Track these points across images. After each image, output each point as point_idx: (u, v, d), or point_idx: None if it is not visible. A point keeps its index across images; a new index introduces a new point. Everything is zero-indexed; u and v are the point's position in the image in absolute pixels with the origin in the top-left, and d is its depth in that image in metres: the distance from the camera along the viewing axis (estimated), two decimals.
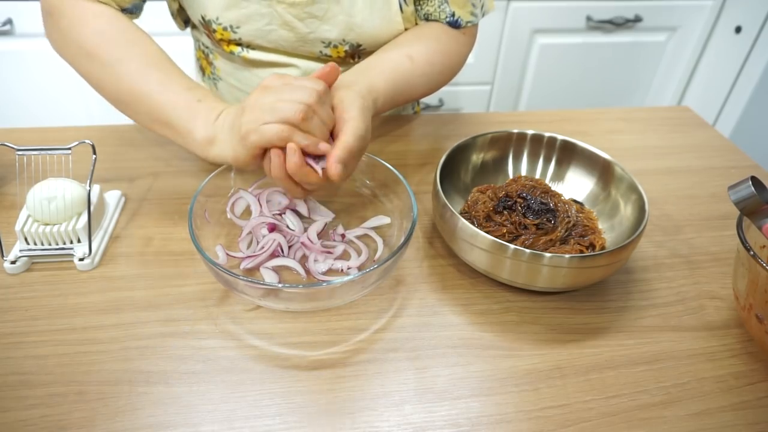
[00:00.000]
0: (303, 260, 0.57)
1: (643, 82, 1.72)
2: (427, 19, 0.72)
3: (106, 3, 0.63)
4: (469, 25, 0.72)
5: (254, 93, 0.53)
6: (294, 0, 0.67)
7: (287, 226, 0.59)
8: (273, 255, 0.56)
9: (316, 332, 0.52)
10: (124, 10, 0.65)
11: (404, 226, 0.56)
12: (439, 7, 0.70)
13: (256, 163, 0.54)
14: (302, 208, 0.61)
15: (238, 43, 0.72)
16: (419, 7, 0.72)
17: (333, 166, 0.51)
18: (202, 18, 0.70)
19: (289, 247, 0.58)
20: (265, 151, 0.52)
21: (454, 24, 0.71)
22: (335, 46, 0.72)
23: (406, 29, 0.73)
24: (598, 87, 1.69)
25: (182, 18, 0.79)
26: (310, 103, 0.50)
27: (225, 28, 0.70)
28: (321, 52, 0.72)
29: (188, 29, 0.82)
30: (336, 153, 0.51)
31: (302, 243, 0.58)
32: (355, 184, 0.65)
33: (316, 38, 0.70)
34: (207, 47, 0.79)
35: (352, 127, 0.53)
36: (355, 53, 0.74)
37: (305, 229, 0.59)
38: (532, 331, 0.53)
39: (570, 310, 0.55)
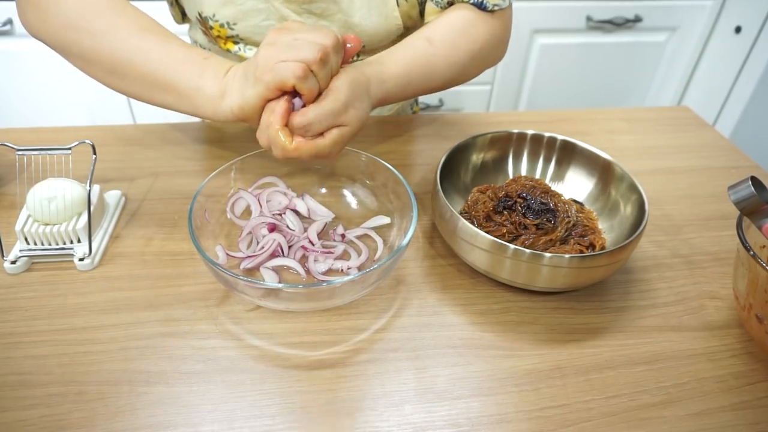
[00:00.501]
0: (303, 260, 0.57)
1: (643, 82, 1.72)
2: (451, 3, 0.67)
3: None
4: (496, 8, 0.66)
5: (271, 32, 0.51)
6: None
7: (287, 226, 0.59)
8: (273, 255, 0.56)
9: (316, 332, 0.52)
10: None
11: (404, 226, 0.56)
12: None
13: (260, 114, 0.52)
14: (302, 208, 0.61)
15: (236, 41, 0.72)
16: None
17: (295, 119, 0.50)
18: (199, 14, 0.69)
19: (289, 247, 0.58)
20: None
21: (480, 6, 0.65)
22: None
23: (405, 27, 0.73)
24: (598, 87, 1.70)
25: (180, 10, 0.78)
26: (327, 45, 0.49)
27: (222, 25, 0.69)
28: None
29: (185, 32, 0.82)
30: (299, 115, 0.50)
31: (302, 246, 0.58)
32: (355, 184, 0.65)
33: None
34: (204, 48, 0.79)
35: (331, 95, 0.51)
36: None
37: (305, 229, 0.59)
38: (532, 331, 0.53)
39: (570, 310, 0.55)
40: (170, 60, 0.55)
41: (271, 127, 0.51)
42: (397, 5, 0.69)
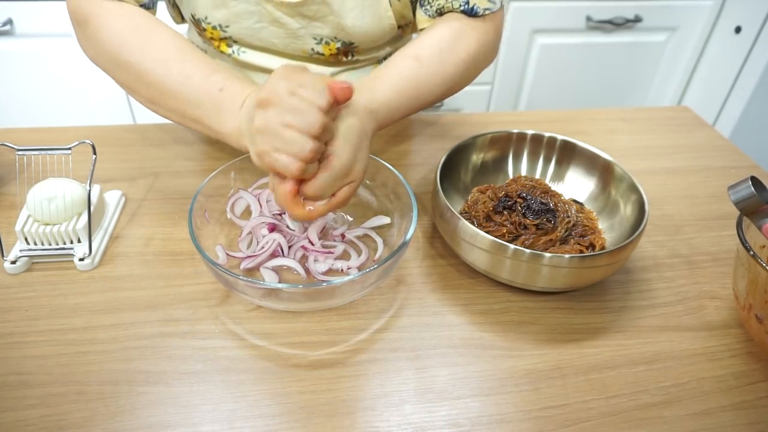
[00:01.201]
0: (303, 260, 0.57)
1: (643, 82, 1.72)
2: (440, 13, 0.66)
3: (124, 0, 0.62)
4: (487, 12, 0.64)
5: (263, 91, 0.50)
6: (283, 0, 0.66)
7: (287, 226, 0.59)
8: (273, 255, 0.56)
9: (316, 332, 0.52)
10: (141, 5, 0.63)
11: (404, 226, 0.56)
12: None
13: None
14: None
15: (229, 43, 0.72)
16: (429, 6, 0.66)
17: (307, 191, 0.51)
18: (192, 16, 0.69)
19: (289, 247, 0.58)
20: None
21: (470, 12, 0.64)
22: (327, 43, 0.71)
23: (399, 26, 0.72)
24: (598, 87, 1.69)
25: (179, 11, 0.78)
26: (318, 136, 0.48)
27: (214, 27, 0.69)
28: (313, 49, 0.72)
29: (184, 32, 0.82)
30: (306, 188, 0.50)
31: (302, 246, 0.58)
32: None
33: (307, 34, 0.70)
34: (201, 49, 0.79)
35: (333, 163, 0.50)
36: (348, 51, 0.73)
37: (305, 229, 0.59)
38: (532, 331, 0.53)
39: (570, 310, 0.55)
40: (192, 97, 0.57)
41: (283, 200, 0.51)
42: (390, 5, 0.69)
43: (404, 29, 0.77)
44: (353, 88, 0.51)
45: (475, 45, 0.65)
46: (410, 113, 0.63)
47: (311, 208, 0.52)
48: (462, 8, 0.64)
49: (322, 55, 0.72)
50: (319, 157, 0.51)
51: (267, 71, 0.74)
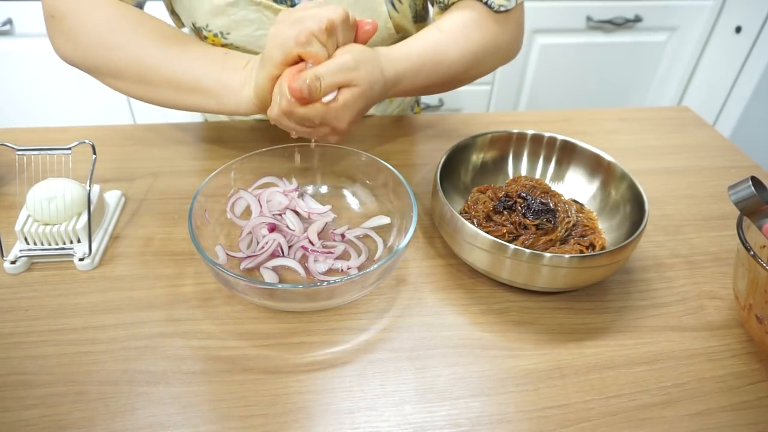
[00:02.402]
0: (303, 260, 0.57)
1: (643, 82, 1.72)
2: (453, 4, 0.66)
3: None
4: (502, 9, 0.64)
5: (281, 13, 0.52)
6: (280, 8, 0.66)
7: (287, 226, 0.59)
8: (273, 255, 0.57)
9: (316, 332, 0.52)
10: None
11: (404, 226, 0.56)
12: None
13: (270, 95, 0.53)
14: (302, 208, 0.61)
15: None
16: (442, 1, 0.66)
17: (304, 73, 0.50)
18: (193, 24, 0.70)
19: (289, 247, 0.58)
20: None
21: (487, 4, 0.64)
22: None
23: (398, 33, 0.73)
24: (598, 87, 1.70)
25: (179, 18, 0.79)
26: (334, 18, 0.49)
27: (215, 35, 0.69)
28: None
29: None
30: (309, 69, 0.50)
31: (302, 246, 0.58)
32: (355, 184, 0.65)
33: None
34: None
35: (335, 58, 0.51)
36: None
37: (305, 229, 0.59)
38: (532, 331, 0.53)
39: (570, 310, 0.55)
40: (191, 61, 0.57)
41: (283, 84, 0.51)
42: (390, 17, 0.69)
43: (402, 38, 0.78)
44: (376, 26, 0.53)
45: (496, 31, 0.65)
46: (432, 81, 0.62)
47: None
48: None
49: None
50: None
51: None
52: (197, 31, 0.70)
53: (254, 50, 0.71)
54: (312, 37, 0.50)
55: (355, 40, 0.53)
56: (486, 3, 0.64)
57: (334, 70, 0.51)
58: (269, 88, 0.53)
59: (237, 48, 0.71)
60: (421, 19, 0.76)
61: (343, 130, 0.55)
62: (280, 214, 0.61)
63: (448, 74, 0.63)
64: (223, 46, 0.71)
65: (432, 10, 0.69)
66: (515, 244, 0.50)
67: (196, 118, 0.86)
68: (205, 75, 0.56)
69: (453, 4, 0.67)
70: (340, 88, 0.52)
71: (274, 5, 0.66)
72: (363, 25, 0.53)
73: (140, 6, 0.68)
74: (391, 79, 0.57)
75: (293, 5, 0.67)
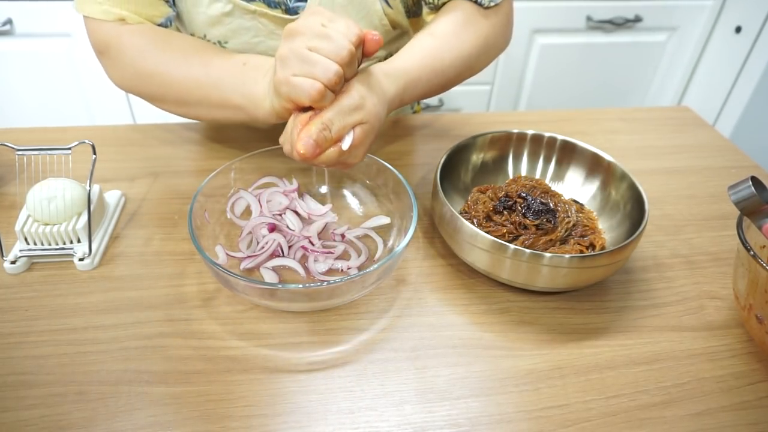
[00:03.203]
0: (303, 260, 0.57)
1: (643, 82, 1.72)
2: (444, 5, 0.67)
3: (140, 21, 0.64)
4: (492, 4, 0.65)
5: (290, 25, 0.49)
6: (276, 14, 0.67)
7: (287, 226, 0.59)
8: (273, 255, 0.57)
9: (316, 332, 0.52)
10: (158, 25, 0.66)
11: (404, 226, 0.56)
12: None
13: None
14: (302, 209, 0.61)
15: None
16: (434, 1, 0.67)
17: (314, 120, 0.49)
18: (192, 34, 0.70)
19: (289, 247, 0.58)
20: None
21: (477, 2, 0.65)
22: None
23: (395, 30, 0.73)
24: (598, 87, 1.70)
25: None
26: (345, 58, 0.46)
27: (215, 44, 0.70)
28: None
29: None
30: (318, 114, 0.49)
31: (302, 246, 0.58)
32: (355, 184, 0.65)
33: None
34: None
35: (340, 93, 0.50)
36: None
37: (305, 229, 0.59)
38: (532, 331, 0.53)
39: (570, 310, 0.55)
40: (215, 79, 0.58)
41: (294, 133, 0.50)
42: (385, 15, 0.69)
43: (402, 36, 0.78)
44: (382, 41, 0.51)
45: (487, 28, 0.66)
46: (431, 88, 0.63)
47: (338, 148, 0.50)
48: None
49: None
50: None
51: None
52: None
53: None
54: (324, 93, 0.48)
55: (363, 53, 0.51)
56: (476, 1, 0.65)
57: (343, 113, 0.50)
58: (286, 115, 0.52)
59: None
60: (413, 14, 0.76)
61: (356, 163, 0.55)
62: (280, 214, 0.61)
63: (444, 80, 0.64)
64: None
65: (424, 9, 0.69)
66: (515, 244, 0.50)
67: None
68: (231, 91, 0.57)
69: (444, 4, 0.67)
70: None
71: (269, 12, 0.66)
72: (370, 36, 0.51)
73: (171, 22, 0.68)
74: (393, 98, 0.57)
75: (288, 9, 0.67)
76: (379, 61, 0.77)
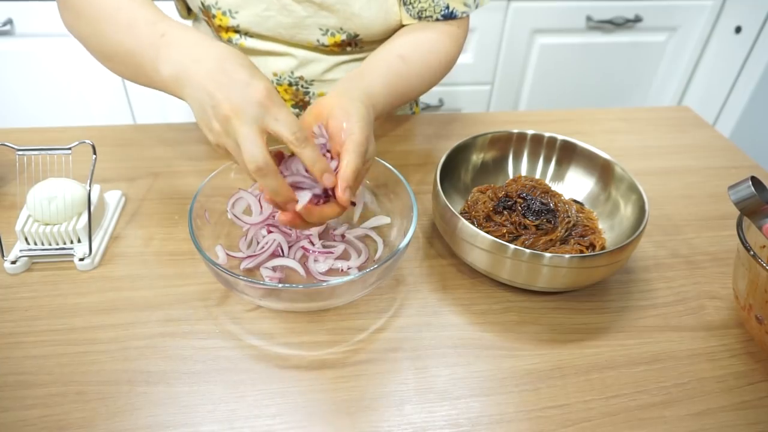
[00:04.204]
0: (303, 260, 0.57)
1: (643, 82, 1.72)
2: (420, 16, 0.71)
3: None
4: (464, 15, 0.70)
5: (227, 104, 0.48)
6: None
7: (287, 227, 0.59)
8: (273, 255, 0.56)
9: (316, 332, 0.52)
10: None
11: (404, 226, 0.56)
12: (433, 1, 0.68)
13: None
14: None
15: (236, 30, 0.72)
16: (411, 7, 0.70)
17: (341, 194, 0.48)
18: (202, 3, 0.69)
19: (289, 247, 0.58)
20: None
21: (450, 16, 0.70)
22: (333, 34, 0.71)
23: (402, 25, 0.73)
24: (598, 87, 1.69)
25: (185, 5, 0.78)
26: (265, 163, 0.46)
27: (224, 13, 0.69)
28: (318, 40, 0.72)
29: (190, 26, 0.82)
30: (342, 180, 0.49)
31: (302, 246, 0.58)
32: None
33: (314, 23, 0.70)
34: None
35: (353, 144, 0.50)
36: (352, 42, 0.73)
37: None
38: (532, 331, 0.53)
39: (570, 310, 0.55)
40: (134, 44, 0.55)
41: (308, 216, 0.49)
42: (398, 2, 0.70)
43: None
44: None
45: (450, 48, 0.72)
46: (394, 108, 0.67)
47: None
48: (442, 13, 0.69)
49: (326, 45, 0.72)
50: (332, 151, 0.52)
51: (273, 54, 0.74)
52: (205, 11, 0.70)
53: (260, 32, 0.71)
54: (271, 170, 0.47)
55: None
56: (449, 15, 0.69)
57: (361, 167, 0.50)
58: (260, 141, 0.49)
59: (245, 30, 0.71)
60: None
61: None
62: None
63: (410, 98, 0.69)
64: (230, 27, 0.71)
65: (402, 9, 0.71)
66: (515, 244, 0.50)
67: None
68: (144, 59, 0.54)
69: (419, 16, 0.70)
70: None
71: None
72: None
73: None
74: (375, 118, 0.59)
75: None
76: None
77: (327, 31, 0.71)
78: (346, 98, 0.54)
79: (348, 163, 0.49)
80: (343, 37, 0.71)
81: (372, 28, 0.71)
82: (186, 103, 0.52)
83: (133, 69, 0.57)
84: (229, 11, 0.69)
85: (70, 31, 0.66)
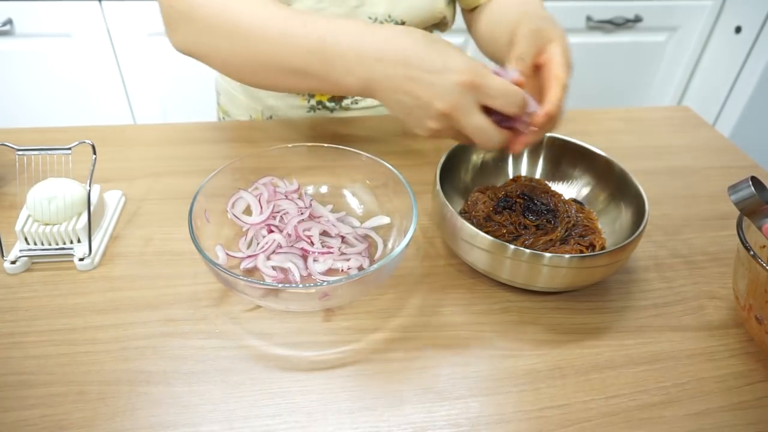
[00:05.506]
0: (303, 260, 0.57)
1: (643, 82, 1.72)
2: None
3: None
4: None
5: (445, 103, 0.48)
6: None
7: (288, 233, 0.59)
8: (273, 255, 0.56)
9: (316, 332, 0.52)
10: None
11: (404, 226, 0.56)
12: None
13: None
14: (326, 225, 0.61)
15: None
16: None
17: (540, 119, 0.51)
18: None
19: (289, 247, 0.58)
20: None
21: None
22: (381, 23, 0.72)
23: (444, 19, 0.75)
24: (598, 87, 1.69)
25: None
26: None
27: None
28: None
29: None
30: (544, 110, 0.51)
31: (302, 247, 0.58)
32: (355, 184, 0.65)
33: (363, 12, 0.71)
34: None
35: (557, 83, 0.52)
36: None
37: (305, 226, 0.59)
38: (532, 331, 0.53)
39: (570, 310, 0.55)
40: (308, 49, 0.53)
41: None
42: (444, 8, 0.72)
43: (440, 26, 0.80)
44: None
45: None
46: None
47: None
48: None
49: None
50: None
51: None
52: None
53: None
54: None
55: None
56: None
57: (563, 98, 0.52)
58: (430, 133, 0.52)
59: None
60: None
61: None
62: (281, 215, 0.61)
63: None
64: None
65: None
66: (515, 244, 0.50)
67: (197, 118, 0.86)
68: (316, 72, 0.53)
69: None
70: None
71: None
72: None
73: None
74: None
75: None
76: None
77: (375, 19, 0.71)
78: (555, 44, 0.55)
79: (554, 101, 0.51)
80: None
81: (418, 14, 0.71)
82: (377, 100, 0.52)
83: (301, 80, 0.55)
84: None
85: (184, 47, 0.62)
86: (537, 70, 0.55)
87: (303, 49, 0.53)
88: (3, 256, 0.56)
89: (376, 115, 0.87)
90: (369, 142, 0.78)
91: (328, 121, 0.83)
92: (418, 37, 0.49)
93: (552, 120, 0.51)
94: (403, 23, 0.72)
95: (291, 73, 0.55)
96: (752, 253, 0.46)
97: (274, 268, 0.56)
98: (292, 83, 0.57)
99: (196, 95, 1.35)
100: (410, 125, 0.51)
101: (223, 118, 0.93)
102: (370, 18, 0.72)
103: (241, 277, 0.46)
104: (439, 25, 0.81)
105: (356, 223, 0.62)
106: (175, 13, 0.59)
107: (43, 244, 0.57)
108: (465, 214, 0.61)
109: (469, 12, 0.79)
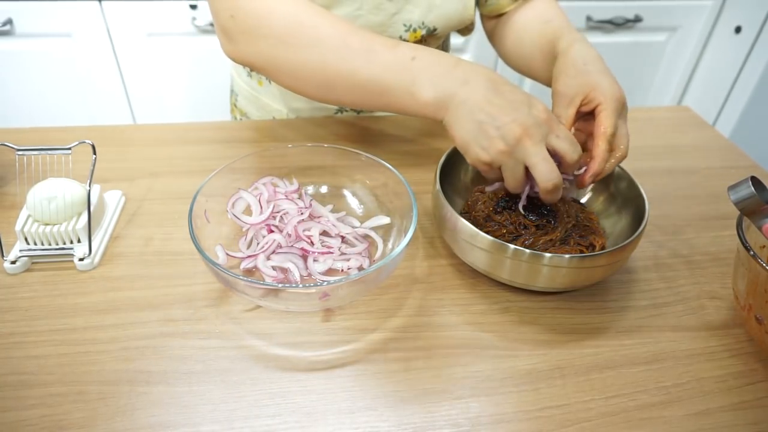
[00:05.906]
0: (303, 260, 0.57)
1: (643, 82, 1.72)
2: None
3: None
4: None
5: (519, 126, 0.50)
6: None
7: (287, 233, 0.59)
8: (273, 255, 0.56)
9: (316, 332, 0.52)
10: None
11: (404, 226, 0.56)
12: None
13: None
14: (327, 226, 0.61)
15: None
16: None
17: (586, 179, 0.55)
18: None
19: (290, 247, 0.58)
20: None
21: None
22: (414, 30, 0.73)
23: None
24: None
25: None
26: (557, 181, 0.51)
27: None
28: (400, 37, 0.73)
29: None
30: (590, 171, 0.55)
31: (302, 247, 0.58)
32: (355, 184, 0.65)
33: (399, 20, 0.71)
34: None
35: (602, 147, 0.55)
36: (428, 37, 0.75)
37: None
38: (532, 331, 0.53)
39: (570, 310, 0.55)
40: (379, 69, 0.55)
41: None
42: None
43: (464, 31, 0.82)
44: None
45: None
46: None
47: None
48: None
49: (406, 42, 0.73)
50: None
51: None
52: None
53: None
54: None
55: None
56: None
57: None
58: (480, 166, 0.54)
59: None
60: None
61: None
62: (282, 215, 0.61)
63: None
64: None
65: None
66: (515, 244, 0.50)
67: (197, 118, 0.86)
68: (394, 85, 0.55)
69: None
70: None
71: None
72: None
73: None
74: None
75: None
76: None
77: (410, 27, 0.72)
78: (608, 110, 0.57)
79: (598, 164, 0.55)
80: (423, 32, 0.73)
81: (450, 19, 0.72)
82: (446, 124, 0.55)
83: (370, 96, 0.57)
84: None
85: (243, 58, 0.62)
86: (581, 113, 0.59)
87: (388, 64, 0.55)
88: (3, 256, 0.56)
89: (375, 115, 0.87)
90: (369, 142, 0.78)
91: (329, 122, 0.83)
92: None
93: (595, 179, 0.55)
94: (435, 29, 0.73)
95: (365, 87, 0.57)
96: (752, 253, 0.46)
97: (274, 268, 0.56)
98: (360, 97, 0.58)
99: (197, 95, 1.36)
100: (473, 149, 0.53)
101: (241, 119, 0.93)
102: (404, 25, 0.72)
103: (241, 277, 0.46)
104: (464, 30, 0.81)
105: (356, 223, 0.62)
106: (237, 26, 0.59)
107: (43, 244, 0.57)
108: (465, 214, 0.61)
109: (493, 19, 0.79)
